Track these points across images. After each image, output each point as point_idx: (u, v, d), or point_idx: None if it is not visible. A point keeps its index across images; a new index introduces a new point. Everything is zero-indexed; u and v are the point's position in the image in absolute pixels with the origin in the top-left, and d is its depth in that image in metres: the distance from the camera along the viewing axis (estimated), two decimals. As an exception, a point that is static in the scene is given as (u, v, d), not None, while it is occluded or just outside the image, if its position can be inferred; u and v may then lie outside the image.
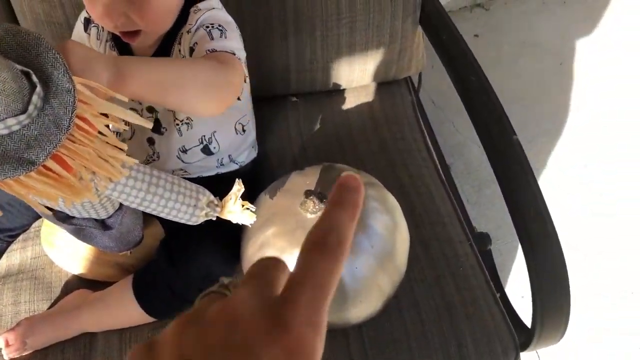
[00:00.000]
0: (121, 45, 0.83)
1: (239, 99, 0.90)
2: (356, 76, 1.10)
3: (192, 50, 0.76)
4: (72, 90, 0.47)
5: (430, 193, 1.00)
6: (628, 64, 1.87)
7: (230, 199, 0.67)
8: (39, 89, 0.46)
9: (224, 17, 0.81)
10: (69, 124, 0.47)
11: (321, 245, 0.26)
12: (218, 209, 0.67)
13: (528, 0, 2.04)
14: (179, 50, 0.80)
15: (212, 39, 0.75)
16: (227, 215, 0.67)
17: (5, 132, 0.45)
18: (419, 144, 1.08)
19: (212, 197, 0.68)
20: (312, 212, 0.78)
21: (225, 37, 0.75)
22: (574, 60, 1.88)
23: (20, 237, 0.97)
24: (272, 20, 1.00)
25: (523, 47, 1.90)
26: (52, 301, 0.91)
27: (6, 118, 0.45)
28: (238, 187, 0.67)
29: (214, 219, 0.68)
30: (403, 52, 1.09)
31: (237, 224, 0.88)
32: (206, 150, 0.91)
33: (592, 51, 1.90)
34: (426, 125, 1.16)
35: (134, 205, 0.64)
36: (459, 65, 0.97)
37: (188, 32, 0.78)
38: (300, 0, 0.99)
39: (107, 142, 0.51)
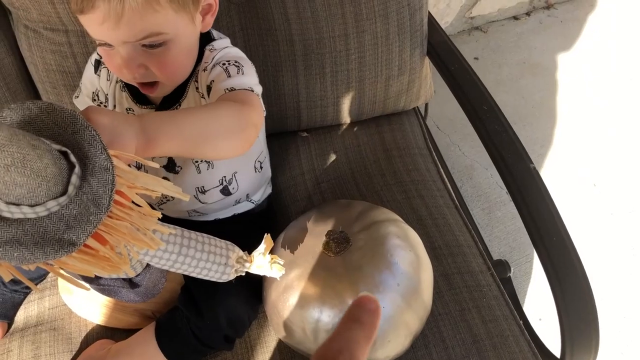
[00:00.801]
0: (131, 85, 0.83)
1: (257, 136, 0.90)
2: (366, 109, 1.10)
3: (209, 88, 0.76)
4: (111, 168, 0.46)
5: (448, 224, 0.99)
6: (629, 79, 1.88)
7: (260, 253, 0.67)
8: (77, 168, 0.45)
9: (237, 53, 0.81)
10: (109, 202, 0.46)
11: None
12: (247, 264, 0.66)
13: (526, 21, 2.06)
14: (196, 88, 0.80)
15: (230, 76, 0.75)
16: (256, 270, 0.67)
17: (45, 213, 0.44)
18: (432, 174, 1.08)
19: (240, 252, 0.67)
20: (335, 253, 0.78)
21: (243, 73, 0.75)
22: (574, 78, 1.89)
23: (38, 287, 0.96)
24: (281, 58, 1.01)
25: (523, 68, 1.92)
26: (74, 353, 0.89)
27: (47, 201, 0.44)
28: (267, 244, 0.67)
29: (244, 274, 0.67)
30: (412, 83, 1.10)
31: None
32: (225, 191, 0.91)
33: (592, 68, 1.92)
34: (436, 153, 1.16)
35: (165, 268, 0.63)
36: (470, 95, 0.98)
37: (204, 70, 0.78)
38: (309, 38, 0.99)
39: (142, 215, 0.50)
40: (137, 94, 0.84)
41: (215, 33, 0.84)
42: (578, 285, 0.79)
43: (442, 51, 1.05)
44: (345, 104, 1.08)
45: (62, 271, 0.48)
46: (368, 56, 1.02)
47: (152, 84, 0.77)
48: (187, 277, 0.90)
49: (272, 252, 0.86)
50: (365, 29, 1.00)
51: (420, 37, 1.05)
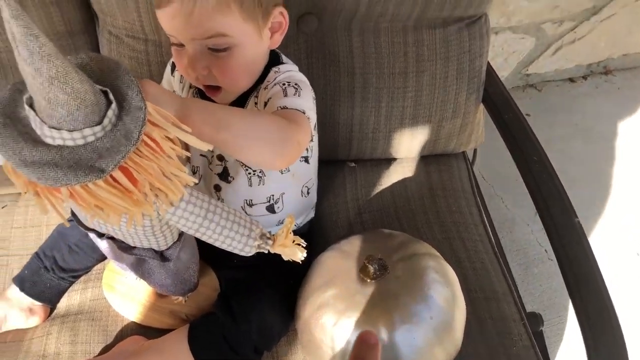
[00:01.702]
0: (202, 92, 0.87)
1: (308, 162, 0.93)
2: (416, 147, 1.13)
3: (265, 104, 0.79)
4: (143, 108, 0.52)
5: (486, 269, 0.99)
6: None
7: (282, 232, 0.69)
8: (114, 105, 0.51)
9: (300, 77, 0.84)
10: (138, 137, 0.51)
11: None
12: (270, 241, 0.68)
13: (582, 84, 2.07)
14: (255, 103, 0.84)
15: (286, 95, 0.78)
16: (278, 249, 0.69)
17: (81, 142, 0.50)
18: (475, 219, 1.09)
19: (264, 230, 0.69)
20: (372, 278, 0.79)
21: (299, 96, 0.78)
22: (626, 146, 1.88)
23: (82, 278, 1.00)
24: (341, 88, 1.05)
25: (575, 130, 1.92)
26: (107, 344, 0.92)
27: (84, 128, 0.49)
28: (290, 221, 0.69)
29: (266, 251, 0.69)
30: (464, 127, 1.12)
31: (295, 280, 0.91)
32: (270, 209, 0.94)
33: (645, 138, 1.90)
34: (480, 200, 1.17)
35: (191, 232, 0.66)
36: (522, 145, 0.99)
37: (265, 88, 0.82)
38: (369, 72, 1.03)
39: (170, 163, 0.56)
40: (205, 99, 0.88)
41: (284, 58, 0.88)
42: (615, 347, 0.78)
43: (497, 100, 1.07)
44: (397, 139, 1.11)
45: (91, 200, 0.52)
46: (424, 95, 1.05)
47: (216, 89, 0.81)
48: (223, 283, 0.93)
49: (310, 271, 0.89)
50: (425, 70, 1.03)
51: (478, 83, 1.08)
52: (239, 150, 0.66)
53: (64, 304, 0.98)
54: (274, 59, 0.87)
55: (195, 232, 0.66)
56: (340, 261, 0.85)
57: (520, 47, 1.84)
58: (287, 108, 0.74)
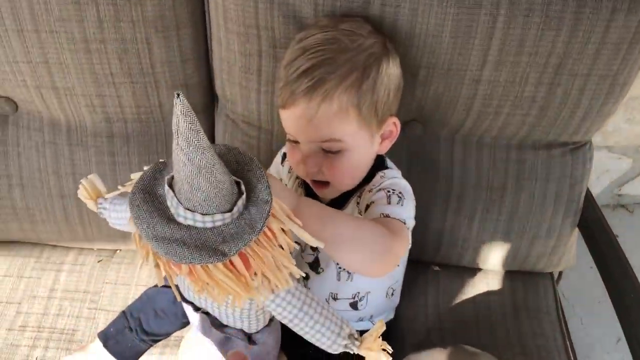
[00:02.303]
0: (308, 185, 0.91)
1: (398, 265, 0.94)
2: (505, 262, 1.12)
3: (367, 207, 0.81)
4: (269, 202, 0.56)
5: (567, 401, 0.95)
6: None
7: (371, 335, 0.69)
8: (244, 196, 0.55)
9: (405, 185, 0.86)
10: (261, 227, 0.55)
11: None
12: (357, 342, 0.68)
13: (676, 210, 1.99)
14: (357, 203, 0.87)
15: (389, 203, 0.79)
16: (364, 351, 0.68)
17: (210, 225, 0.54)
18: (558, 344, 1.05)
19: (354, 330, 0.70)
20: (452, 398, 0.78)
21: (402, 205, 0.80)
22: None
23: (161, 343, 1.03)
24: (436, 194, 1.06)
25: (666, 258, 1.83)
26: (178, 415, 0.94)
27: (215, 213, 0.54)
28: (379, 325, 0.68)
29: (352, 352, 0.69)
30: (556, 248, 1.10)
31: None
32: (354, 305, 0.94)
33: None
34: (564, 325, 1.13)
35: (285, 321, 0.68)
36: (618, 278, 0.97)
37: (370, 190, 0.84)
38: (467, 183, 1.05)
39: (282, 255, 0.59)
40: (310, 194, 0.92)
41: (389, 162, 0.92)
42: None
43: (595, 228, 1.05)
44: (485, 251, 1.10)
45: (206, 279, 0.56)
46: (520, 212, 1.05)
47: (323, 184, 0.85)
48: None
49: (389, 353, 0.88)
50: (524, 188, 1.03)
51: (575, 208, 1.07)
52: (340, 252, 0.68)
53: (140, 366, 1.01)
54: (380, 163, 0.90)
55: (289, 322, 0.68)
56: (420, 373, 0.84)
57: (615, 166, 1.81)
58: (389, 217, 0.76)
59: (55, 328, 1.08)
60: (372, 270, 0.72)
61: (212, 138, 1.11)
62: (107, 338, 0.98)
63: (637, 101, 1.57)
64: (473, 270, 1.16)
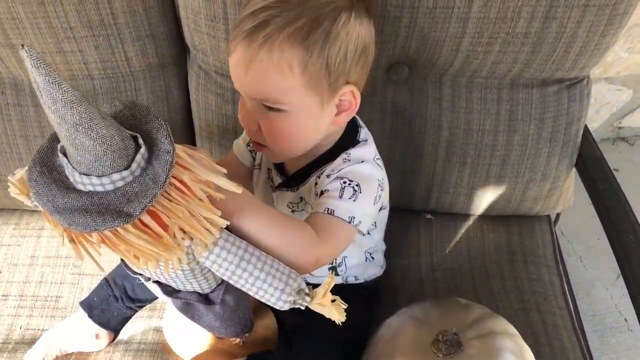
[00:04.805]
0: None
1: (370, 234, 0.89)
2: (499, 206, 1.07)
3: (322, 193, 0.75)
4: (172, 151, 0.53)
5: (564, 347, 0.93)
6: None
7: (321, 290, 0.66)
8: (143, 149, 0.52)
9: (369, 173, 0.77)
10: (165, 180, 0.52)
11: None
12: (308, 298, 0.65)
13: (679, 141, 1.94)
14: (315, 183, 0.80)
15: (341, 197, 0.72)
16: (316, 307, 0.65)
17: (111, 187, 0.51)
18: (555, 289, 1.02)
19: (303, 285, 0.66)
20: (444, 355, 0.75)
21: (354, 200, 0.73)
22: None
23: (148, 306, 1.00)
24: (425, 140, 1.01)
25: (668, 189, 1.79)
26: (167, 380, 0.92)
27: (112, 173, 0.51)
28: (328, 280, 0.65)
29: (302, 307, 0.66)
30: (553, 191, 1.06)
31: (360, 335, 0.87)
32: (334, 270, 0.90)
33: None
34: (562, 267, 1.10)
35: (225, 278, 0.65)
36: (616, 220, 0.93)
37: (328, 176, 0.76)
38: (457, 127, 0.99)
39: (201, 205, 0.55)
40: (278, 166, 0.87)
41: (362, 133, 0.82)
42: None
43: (593, 168, 1.01)
44: (478, 197, 1.06)
45: (123, 246, 0.53)
46: (513, 156, 1.00)
47: (262, 145, 0.77)
48: (281, 324, 0.92)
49: (378, 332, 0.85)
50: (517, 130, 0.98)
51: (572, 148, 1.01)
52: (265, 249, 0.65)
53: (128, 330, 0.99)
54: (349, 136, 0.81)
55: (228, 279, 0.64)
56: (411, 330, 0.81)
57: (615, 98, 1.74)
58: (333, 213, 0.71)
59: (39, 296, 1.05)
60: (299, 267, 0.67)
61: (185, 91, 1.05)
62: (91, 308, 0.96)
63: (638, 29, 1.49)
64: (466, 216, 1.12)
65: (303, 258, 0.67)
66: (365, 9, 0.72)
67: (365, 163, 0.77)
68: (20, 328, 1.01)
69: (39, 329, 1.01)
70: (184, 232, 0.56)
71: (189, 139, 1.10)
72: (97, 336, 0.95)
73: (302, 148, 0.78)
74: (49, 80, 0.44)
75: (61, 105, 0.46)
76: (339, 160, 0.77)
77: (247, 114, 0.74)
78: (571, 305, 1.03)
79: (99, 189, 0.51)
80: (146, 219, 0.53)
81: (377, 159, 0.81)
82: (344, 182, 0.73)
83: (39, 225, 1.15)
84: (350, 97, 0.74)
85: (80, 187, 0.52)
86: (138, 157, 0.52)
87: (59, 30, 0.91)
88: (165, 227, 0.54)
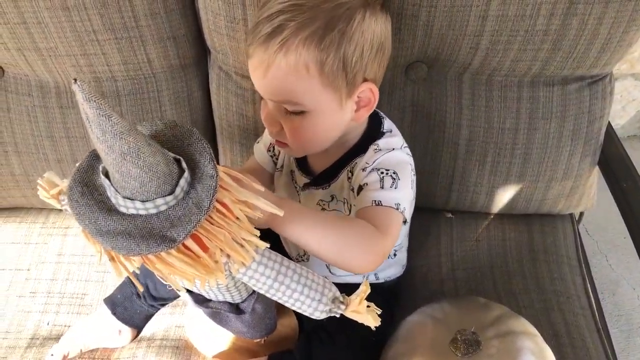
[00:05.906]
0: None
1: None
2: (520, 205, 1.06)
3: (360, 188, 0.76)
4: (215, 176, 0.53)
5: (587, 347, 0.92)
6: None
7: (356, 298, 0.66)
8: (186, 174, 0.52)
9: (401, 158, 0.79)
10: (209, 205, 0.51)
11: None
12: (343, 306, 0.66)
13: None
14: (348, 178, 0.81)
15: (382, 187, 0.74)
16: (351, 315, 0.66)
17: (154, 211, 0.51)
18: (578, 289, 1.01)
19: (337, 293, 0.67)
20: (463, 354, 0.75)
21: (396, 188, 0.74)
22: None
23: (170, 304, 1.02)
24: (445, 139, 1.01)
25: (697, 188, 1.75)
26: (189, 375, 0.94)
27: (156, 198, 0.50)
28: (364, 288, 0.66)
29: (338, 316, 0.67)
30: (575, 189, 1.04)
31: (379, 335, 0.87)
32: None
33: None
34: (586, 267, 1.08)
35: (262, 292, 0.65)
36: (640, 219, 0.91)
37: (363, 169, 0.77)
38: (477, 125, 0.98)
39: (241, 227, 0.55)
40: (301, 161, 0.88)
41: (386, 124, 0.83)
42: None
43: (616, 166, 0.99)
44: (499, 195, 1.05)
45: (163, 268, 0.53)
46: (534, 154, 0.99)
47: (284, 143, 0.78)
48: (302, 325, 0.92)
49: (397, 332, 0.86)
50: (538, 127, 0.97)
51: (595, 146, 1.00)
52: (325, 258, 0.67)
53: (150, 326, 1.01)
54: (374, 128, 0.82)
55: (265, 293, 0.65)
56: (429, 329, 0.81)
57: (641, 95, 1.71)
58: (381, 204, 0.72)
59: (65, 293, 1.08)
60: (357, 269, 0.70)
61: (206, 92, 1.07)
62: (114, 305, 0.98)
63: (665, 23, 1.46)
64: (487, 215, 1.11)
65: (371, 254, 0.68)
66: (381, 5, 0.74)
67: (396, 150, 0.79)
68: (48, 324, 1.03)
69: (65, 325, 1.03)
70: (221, 250, 0.56)
71: (211, 139, 1.12)
72: (120, 332, 0.97)
73: (324, 145, 0.79)
74: (99, 113, 0.45)
75: (110, 136, 0.46)
76: (370, 152, 0.79)
77: (268, 115, 0.76)
78: (594, 305, 1.01)
79: (142, 212, 0.51)
80: (188, 242, 0.53)
81: (405, 147, 0.82)
82: (381, 173, 0.75)
83: (65, 224, 1.18)
84: (369, 93, 0.75)
85: (122, 209, 0.52)
86: (182, 181, 0.52)
87: (83, 34, 0.93)
88: (205, 248, 0.54)
